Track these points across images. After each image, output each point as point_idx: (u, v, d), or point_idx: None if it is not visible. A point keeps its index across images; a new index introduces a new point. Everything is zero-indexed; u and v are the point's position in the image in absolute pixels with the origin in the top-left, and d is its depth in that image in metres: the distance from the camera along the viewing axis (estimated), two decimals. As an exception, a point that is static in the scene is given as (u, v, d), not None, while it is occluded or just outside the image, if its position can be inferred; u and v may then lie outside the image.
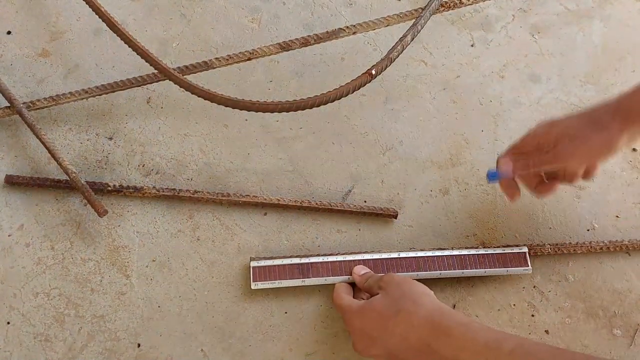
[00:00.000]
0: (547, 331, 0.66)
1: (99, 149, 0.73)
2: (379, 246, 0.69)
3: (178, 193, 0.70)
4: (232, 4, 0.84)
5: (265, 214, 0.71)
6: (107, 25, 0.69)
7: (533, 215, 0.72)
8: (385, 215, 0.70)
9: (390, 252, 0.67)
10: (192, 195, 0.70)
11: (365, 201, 0.72)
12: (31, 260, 0.66)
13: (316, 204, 0.70)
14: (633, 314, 0.67)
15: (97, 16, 0.70)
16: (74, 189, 0.69)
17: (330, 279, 0.65)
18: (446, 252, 0.67)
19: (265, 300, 0.66)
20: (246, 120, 0.76)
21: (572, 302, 0.67)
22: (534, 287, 0.68)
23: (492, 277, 0.68)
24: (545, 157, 0.62)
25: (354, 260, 0.66)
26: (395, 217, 0.70)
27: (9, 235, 0.67)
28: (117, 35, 0.68)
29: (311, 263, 0.66)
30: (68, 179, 0.68)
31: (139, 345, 0.63)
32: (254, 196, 0.70)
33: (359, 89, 0.67)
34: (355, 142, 0.75)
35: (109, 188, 0.69)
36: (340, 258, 0.66)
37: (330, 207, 0.70)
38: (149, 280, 0.66)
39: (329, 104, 0.66)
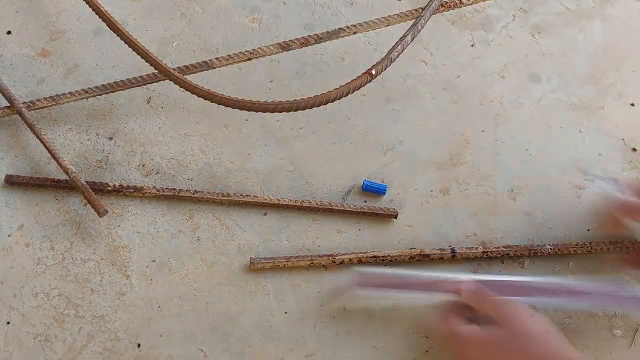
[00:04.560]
0: (547, 331, 0.65)
1: (99, 149, 0.73)
2: (379, 246, 0.69)
3: (178, 193, 0.70)
4: (232, 4, 0.84)
5: (265, 214, 0.71)
6: (107, 25, 0.69)
7: (533, 215, 0.72)
8: (385, 215, 0.70)
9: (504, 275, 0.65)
10: (192, 195, 0.70)
11: (365, 201, 0.72)
12: (31, 260, 0.66)
13: (316, 204, 0.70)
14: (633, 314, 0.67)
15: (97, 16, 0.69)
16: (74, 189, 0.69)
17: (433, 296, 0.61)
18: (570, 283, 0.63)
19: (265, 300, 0.66)
20: (246, 120, 0.76)
21: (572, 302, 0.67)
22: (535, 287, 0.68)
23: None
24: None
25: (459, 279, 0.62)
26: (395, 217, 0.70)
27: (9, 235, 0.67)
28: (117, 35, 0.68)
29: (415, 276, 0.62)
30: (68, 179, 0.68)
31: (139, 345, 0.63)
32: (254, 196, 0.70)
33: (359, 89, 0.67)
34: (356, 142, 0.75)
35: (109, 188, 0.69)
36: (445, 275, 0.62)
37: (330, 207, 0.70)
38: (149, 281, 0.66)
39: (330, 104, 0.66)
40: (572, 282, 0.64)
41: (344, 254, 0.67)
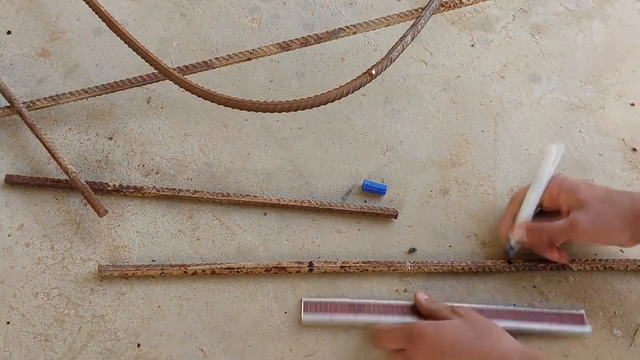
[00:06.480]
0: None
1: (99, 149, 0.73)
2: (379, 246, 0.69)
3: (178, 193, 0.70)
4: (232, 4, 0.84)
5: (265, 214, 0.71)
6: (107, 25, 0.69)
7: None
8: (385, 215, 0.70)
9: (446, 302, 0.65)
10: (192, 195, 0.70)
11: (365, 201, 0.72)
12: (31, 260, 0.66)
13: (316, 203, 0.70)
14: (633, 314, 0.67)
15: (97, 16, 0.70)
16: (74, 189, 0.69)
17: (382, 318, 0.64)
18: (500, 307, 0.65)
19: (265, 300, 0.66)
20: (246, 120, 0.76)
21: (572, 302, 0.67)
22: (534, 287, 0.68)
23: (492, 277, 0.68)
24: (559, 229, 0.62)
25: (408, 305, 0.64)
26: (395, 217, 0.70)
27: (9, 235, 0.67)
28: (117, 35, 0.68)
29: (363, 304, 0.65)
30: (68, 178, 0.68)
31: (139, 345, 0.63)
32: (254, 196, 0.70)
33: (359, 88, 0.67)
34: (356, 142, 0.75)
35: (109, 188, 0.69)
36: (393, 302, 0.65)
37: (330, 207, 0.70)
38: (149, 280, 0.66)
39: (329, 104, 0.66)
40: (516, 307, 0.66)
41: (196, 265, 0.65)
